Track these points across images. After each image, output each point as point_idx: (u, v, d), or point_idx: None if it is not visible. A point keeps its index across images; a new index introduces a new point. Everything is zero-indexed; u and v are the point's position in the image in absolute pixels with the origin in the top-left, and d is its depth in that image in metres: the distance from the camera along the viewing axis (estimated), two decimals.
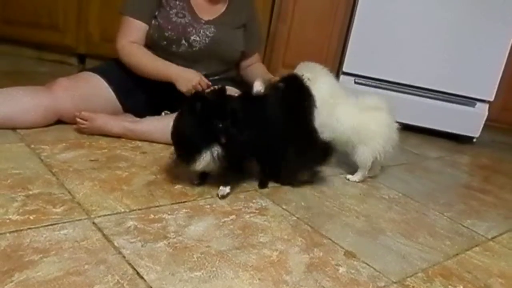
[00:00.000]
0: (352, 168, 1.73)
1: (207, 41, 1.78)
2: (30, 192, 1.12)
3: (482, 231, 1.46)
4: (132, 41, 1.73)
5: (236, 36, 1.89)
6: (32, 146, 1.41)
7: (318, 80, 1.65)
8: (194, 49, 1.78)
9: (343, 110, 1.66)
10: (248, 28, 1.94)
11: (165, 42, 1.75)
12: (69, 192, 1.16)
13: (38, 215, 1.02)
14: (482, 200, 1.77)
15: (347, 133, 1.65)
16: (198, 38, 1.78)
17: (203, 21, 1.80)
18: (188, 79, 1.68)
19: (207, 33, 1.79)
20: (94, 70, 1.76)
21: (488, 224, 1.52)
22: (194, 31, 1.77)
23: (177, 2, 1.77)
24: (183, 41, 1.76)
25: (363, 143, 1.65)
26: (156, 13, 1.75)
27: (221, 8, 1.85)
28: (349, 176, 1.72)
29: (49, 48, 2.81)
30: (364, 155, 1.66)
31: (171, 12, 1.75)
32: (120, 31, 1.76)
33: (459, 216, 1.55)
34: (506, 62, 2.57)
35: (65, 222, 1.01)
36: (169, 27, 1.74)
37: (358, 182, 1.71)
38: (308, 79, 1.62)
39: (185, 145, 1.27)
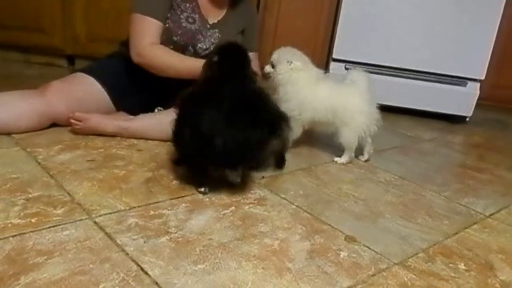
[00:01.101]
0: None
1: (211, 48, 1.78)
2: (30, 195, 1.12)
3: (480, 208, 1.48)
4: (151, 42, 1.67)
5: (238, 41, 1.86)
6: (28, 149, 1.41)
7: (296, 63, 1.68)
8: (198, 55, 1.77)
9: (322, 90, 1.69)
10: (247, 31, 1.92)
11: (171, 46, 1.72)
12: (68, 193, 1.16)
13: (39, 217, 1.03)
14: (478, 178, 1.79)
15: (328, 113, 1.67)
16: (204, 46, 1.77)
17: (209, 25, 1.79)
18: None
19: (212, 39, 1.79)
20: (86, 70, 1.74)
21: (485, 202, 1.54)
22: (202, 38, 1.76)
23: (187, 5, 1.74)
24: (190, 47, 1.76)
25: (344, 124, 1.67)
26: (168, 15, 1.71)
27: (224, 10, 1.84)
28: (336, 159, 1.74)
29: (36, 51, 2.78)
30: (347, 135, 1.68)
31: (181, 16, 1.73)
32: (135, 32, 1.68)
33: (456, 195, 1.57)
34: (495, 40, 2.58)
35: (66, 223, 1.02)
36: (179, 32, 1.72)
37: (346, 163, 1.73)
38: (289, 62, 1.66)
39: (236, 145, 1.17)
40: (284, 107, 1.69)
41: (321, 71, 1.76)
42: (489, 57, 2.61)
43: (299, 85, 1.67)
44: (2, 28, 2.65)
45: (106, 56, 1.89)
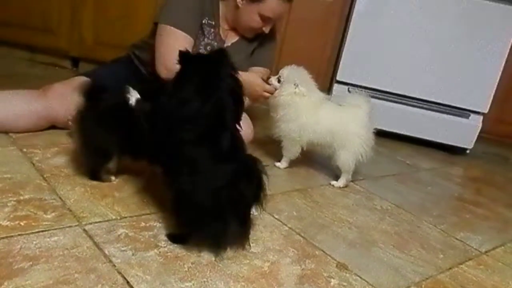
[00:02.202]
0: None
1: None
2: (21, 197, 1.11)
3: (476, 244, 1.46)
4: None
5: (246, 66, 1.86)
6: (24, 150, 1.40)
7: (302, 88, 1.68)
8: None
9: (322, 112, 1.69)
10: (258, 49, 1.90)
11: None
12: (60, 198, 1.14)
13: (28, 221, 1.01)
14: (475, 213, 1.78)
15: (327, 135, 1.67)
16: None
17: (223, 47, 1.78)
18: (252, 89, 1.67)
19: None
20: (89, 75, 1.73)
21: (481, 238, 1.53)
22: None
23: (212, 30, 1.74)
24: None
25: (342, 147, 1.67)
26: None
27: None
28: (333, 182, 1.73)
29: (42, 51, 2.79)
30: (344, 158, 1.68)
31: (202, 42, 1.72)
32: (164, 45, 1.62)
33: (452, 228, 1.55)
34: (500, 74, 2.59)
35: (55, 229, 1.00)
36: None
37: (343, 187, 1.72)
38: (296, 85, 1.67)
39: None
40: (284, 127, 1.70)
41: (324, 95, 1.76)
42: (494, 91, 2.61)
43: (300, 109, 1.68)
44: (10, 25, 2.65)
45: (111, 61, 1.88)
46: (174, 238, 1.07)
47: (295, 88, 1.67)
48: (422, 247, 1.35)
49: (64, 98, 1.59)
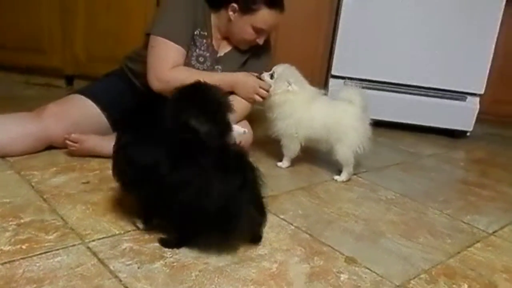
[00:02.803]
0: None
1: None
2: (22, 221, 1.10)
3: (483, 226, 1.45)
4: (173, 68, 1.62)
5: None
6: (22, 173, 1.39)
7: (294, 87, 1.69)
8: None
9: (316, 107, 1.70)
10: (251, 58, 1.87)
11: None
12: (61, 218, 1.14)
13: (30, 243, 1.00)
14: (480, 195, 1.76)
15: (322, 130, 1.67)
16: None
17: (216, 60, 1.78)
18: (248, 86, 1.71)
19: None
20: (84, 92, 1.73)
21: (488, 219, 1.51)
22: None
23: (204, 41, 1.73)
24: None
25: (339, 140, 1.66)
26: None
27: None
28: (336, 177, 1.73)
29: (36, 72, 2.79)
30: (342, 152, 1.68)
31: (193, 53, 1.71)
32: (156, 57, 1.61)
33: (459, 212, 1.54)
34: (493, 54, 2.58)
35: (58, 249, 0.99)
36: None
37: (346, 181, 1.71)
38: (288, 83, 1.68)
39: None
40: (281, 125, 1.70)
41: (317, 90, 1.76)
42: (487, 72, 2.60)
43: (295, 106, 1.69)
44: (3, 49, 2.67)
45: (104, 75, 1.88)
46: (167, 242, 1.08)
47: (288, 86, 1.68)
48: (429, 233, 1.34)
49: (59, 117, 1.59)
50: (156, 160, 1.02)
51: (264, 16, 1.70)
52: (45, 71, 2.79)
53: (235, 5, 1.69)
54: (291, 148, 1.75)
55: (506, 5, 2.51)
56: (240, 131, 1.46)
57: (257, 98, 1.73)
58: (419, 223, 1.41)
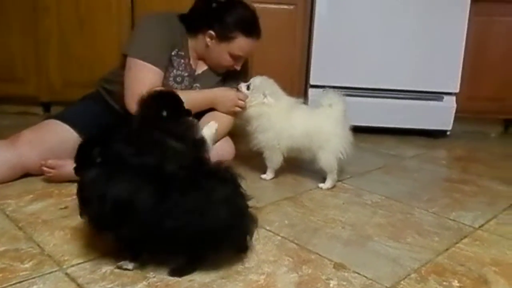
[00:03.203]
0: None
1: None
2: None
3: (469, 221, 1.45)
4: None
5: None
6: None
7: (270, 99, 1.69)
8: None
9: (295, 116, 1.69)
10: (228, 84, 1.85)
11: None
12: (38, 245, 1.10)
13: (4, 274, 0.96)
14: (464, 191, 1.77)
15: (304, 138, 1.66)
16: None
17: (194, 79, 1.77)
18: (227, 100, 1.70)
19: None
20: (59, 117, 1.70)
21: (473, 214, 1.52)
22: None
23: (182, 61, 1.72)
24: None
25: (321, 148, 1.66)
26: None
27: None
28: (321, 185, 1.71)
29: (11, 101, 2.74)
30: (325, 158, 1.66)
31: (171, 73, 1.69)
32: (133, 79, 1.59)
33: (444, 210, 1.54)
34: (464, 52, 2.62)
35: (34, 277, 0.96)
36: None
37: (331, 188, 1.70)
38: (264, 95, 1.68)
39: None
40: (261, 138, 1.69)
41: (295, 100, 1.75)
42: (460, 70, 2.64)
43: (272, 118, 1.68)
44: None
45: (80, 99, 1.85)
46: (180, 271, 1.02)
47: (264, 98, 1.68)
48: (417, 233, 1.33)
49: (34, 144, 1.55)
50: (135, 191, 0.95)
51: (241, 43, 1.71)
52: (21, 100, 2.74)
53: (212, 32, 1.70)
54: (274, 160, 1.74)
55: (471, 3, 2.56)
56: (213, 130, 1.41)
57: (237, 109, 1.72)
58: (406, 224, 1.40)
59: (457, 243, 1.28)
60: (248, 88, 1.71)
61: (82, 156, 1.03)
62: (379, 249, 1.22)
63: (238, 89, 1.73)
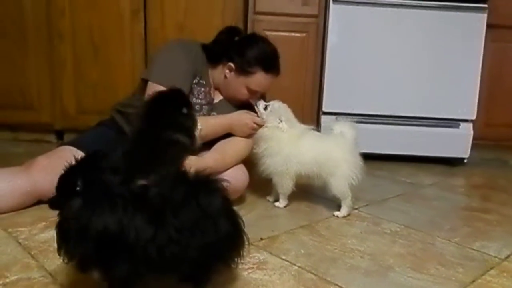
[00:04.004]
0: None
1: None
2: (8, 280, 1.04)
3: (494, 252, 1.40)
4: None
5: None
6: (9, 230, 1.34)
7: (284, 125, 1.69)
8: None
9: (305, 143, 1.68)
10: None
11: None
12: (50, 274, 1.08)
13: None
14: (486, 220, 1.72)
15: (313, 165, 1.65)
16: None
17: (212, 106, 1.77)
18: (243, 124, 1.69)
19: None
20: (73, 143, 1.69)
21: (498, 244, 1.46)
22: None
23: (202, 89, 1.73)
24: None
25: (332, 175, 1.64)
26: None
27: None
28: (336, 213, 1.68)
29: (24, 128, 2.76)
30: (338, 185, 1.64)
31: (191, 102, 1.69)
32: None
33: (467, 240, 1.49)
34: (480, 79, 2.60)
35: None
36: None
37: (347, 216, 1.67)
38: (280, 120, 1.67)
39: None
40: (269, 162, 1.69)
41: (306, 127, 1.75)
42: (477, 97, 2.61)
43: (282, 141, 1.67)
44: None
45: (94, 126, 1.85)
46: None
47: (279, 122, 1.67)
48: (439, 264, 1.28)
49: (49, 170, 1.53)
50: (125, 221, 0.87)
51: (259, 79, 1.72)
52: (34, 127, 2.76)
53: (232, 64, 1.71)
54: (284, 186, 1.71)
55: (487, 29, 2.55)
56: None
57: (254, 132, 1.72)
58: (427, 254, 1.36)
59: (483, 274, 1.23)
60: (265, 108, 1.71)
61: (63, 187, 0.95)
62: (401, 280, 1.17)
63: (255, 105, 1.73)
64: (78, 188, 0.89)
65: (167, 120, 1.41)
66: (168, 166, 1.35)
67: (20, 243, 1.25)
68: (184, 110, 1.43)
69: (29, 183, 1.50)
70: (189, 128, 1.46)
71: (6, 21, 2.58)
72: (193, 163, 1.42)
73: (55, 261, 1.14)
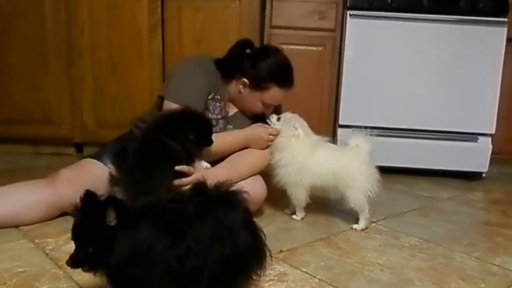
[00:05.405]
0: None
1: None
2: None
3: None
4: None
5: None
6: (36, 240, 1.37)
7: (300, 131, 1.69)
8: None
9: (320, 154, 1.68)
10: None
11: None
12: (77, 285, 1.10)
13: None
14: (506, 235, 1.70)
15: (328, 177, 1.65)
16: None
17: (227, 120, 1.80)
18: (258, 137, 1.71)
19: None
20: (95, 156, 1.72)
21: None
22: None
23: (217, 104, 1.75)
24: None
25: (348, 187, 1.64)
26: None
27: None
28: (354, 226, 1.69)
29: (45, 142, 2.82)
30: (355, 198, 1.64)
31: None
32: None
33: (487, 255, 1.48)
34: (500, 93, 2.58)
35: None
36: None
37: (365, 228, 1.67)
38: (294, 128, 1.68)
39: None
40: (283, 172, 1.70)
41: (321, 138, 1.76)
42: (496, 111, 2.59)
43: (296, 151, 1.67)
44: (11, 122, 2.70)
45: (115, 139, 1.89)
46: None
47: (294, 130, 1.68)
48: (460, 278, 1.28)
49: (73, 182, 1.57)
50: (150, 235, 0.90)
51: (274, 94, 1.74)
52: (54, 141, 2.82)
53: (246, 80, 1.73)
54: (299, 197, 1.72)
55: (507, 42, 2.54)
56: (203, 165, 1.55)
57: (270, 144, 1.74)
58: (448, 268, 1.35)
59: None
60: (278, 120, 1.73)
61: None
62: None
63: (268, 119, 1.75)
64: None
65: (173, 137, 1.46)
66: (164, 166, 1.43)
67: (47, 254, 1.28)
68: (191, 137, 1.47)
69: (54, 195, 1.53)
70: (191, 153, 1.50)
71: (27, 38, 2.66)
72: (202, 173, 1.46)
73: (82, 272, 1.16)
